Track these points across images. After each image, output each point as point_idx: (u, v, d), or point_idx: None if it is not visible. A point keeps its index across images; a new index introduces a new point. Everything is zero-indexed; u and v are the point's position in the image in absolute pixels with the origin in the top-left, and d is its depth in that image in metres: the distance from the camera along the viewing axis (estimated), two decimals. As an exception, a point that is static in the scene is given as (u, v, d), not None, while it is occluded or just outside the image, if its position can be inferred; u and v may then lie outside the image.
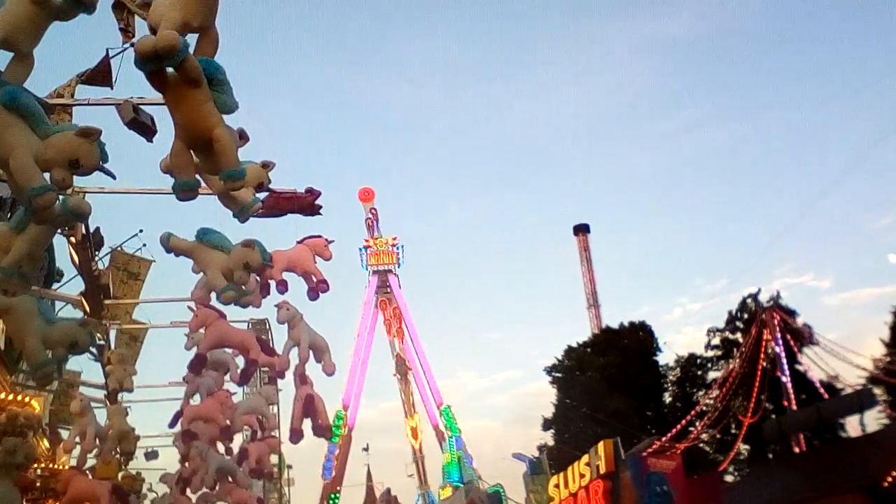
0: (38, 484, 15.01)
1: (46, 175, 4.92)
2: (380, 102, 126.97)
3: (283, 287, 10.33)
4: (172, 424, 14.59)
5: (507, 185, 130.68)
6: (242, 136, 5.65)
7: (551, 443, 49.28)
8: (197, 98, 5.01)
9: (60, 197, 5.11)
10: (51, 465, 17.43)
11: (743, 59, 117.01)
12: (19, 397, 11.99)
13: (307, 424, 12.61)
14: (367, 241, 56.69)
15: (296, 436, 12.57)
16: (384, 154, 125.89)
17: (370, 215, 57.60)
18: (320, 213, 10.87)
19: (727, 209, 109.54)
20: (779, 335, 35.05)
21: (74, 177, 5.05)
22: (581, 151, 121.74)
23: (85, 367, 18.05)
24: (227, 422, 14.00)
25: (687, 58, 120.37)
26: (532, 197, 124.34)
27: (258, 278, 10.22)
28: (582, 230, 68.60)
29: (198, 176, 5.54)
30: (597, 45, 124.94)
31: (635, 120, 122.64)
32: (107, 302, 14.34)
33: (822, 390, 34.94)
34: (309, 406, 12.48)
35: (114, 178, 6.56)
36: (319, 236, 10.73)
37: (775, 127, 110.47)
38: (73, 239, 10.97)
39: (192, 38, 5.20)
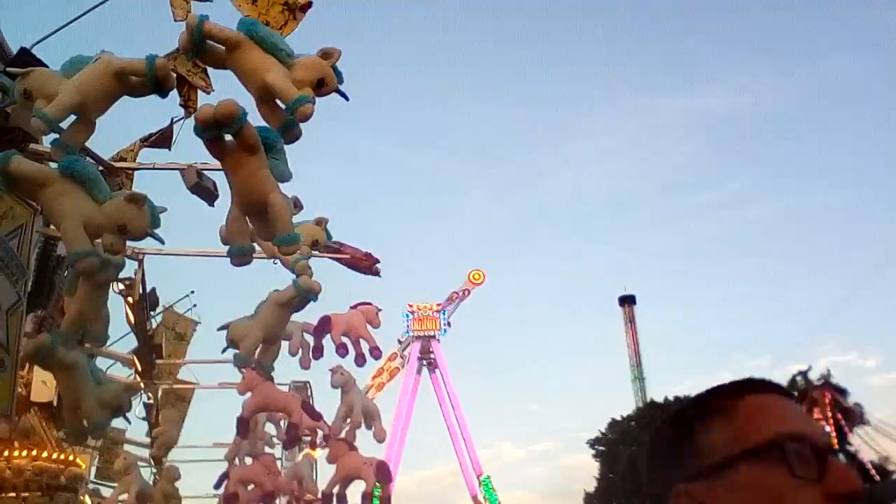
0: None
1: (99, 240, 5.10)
2: (418, 172, 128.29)
3: (343, 351, 10.44)
4: (218, 485, 14.59)
5: (550, 254, 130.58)
6: (297, 205, 5.75)
7: (593, 518, 48.27)
8: (253, 165, 5.10)
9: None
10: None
11: (789, 136, 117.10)
12: (64, 455, 12.12)
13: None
14: (410, 305, 56.77)
15: (329, 501, 12.52)
16: (430, 220, 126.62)
17: (462, 294, 57.89)
18: (378, 275, 11.02)
19: (770, 285, 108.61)
20: (829, 414, 34.24)
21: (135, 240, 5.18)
22: (625, 223, 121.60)
23: (131, 424, 18.21)
24: (271, 486, 13.98)
25: (731, 132, 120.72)
26: (575, 267, 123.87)
27: (312, 340, 10.34)
28: (628, 301, 68.06)
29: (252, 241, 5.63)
30: (640, 118, 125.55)
31: (679, 192, 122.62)
32: (158, 362, 14.49)
33: (873, 472, 33.92)
34: (384, 472, 12.41)
35: (162, 242, 6.72)
36: (370, 303, 10.85)
37: (820, 205, 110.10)
38: (130, 299, 11.17)
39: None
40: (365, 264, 10.81)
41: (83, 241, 5.01)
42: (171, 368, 17.58)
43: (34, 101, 5.18)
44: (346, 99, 5.35)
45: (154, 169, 8.82)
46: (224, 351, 7.58)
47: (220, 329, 7.47)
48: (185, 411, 18.28)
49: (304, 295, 7.73)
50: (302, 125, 5.15)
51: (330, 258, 10.38)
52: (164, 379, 17.40)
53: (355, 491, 12.50)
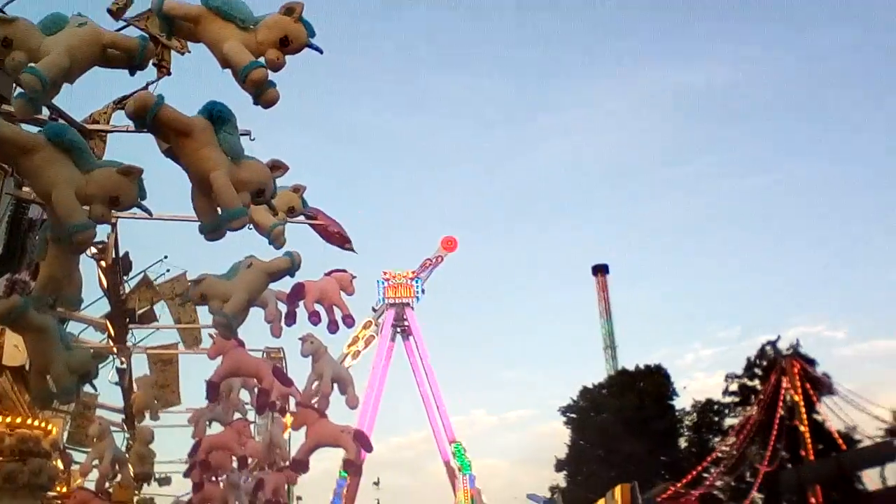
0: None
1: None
2: (405, 138, 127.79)
3: (316, 318, 10.37)
4: (193, 453, 14.61)
5: (526, 224, 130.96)
6: (278, 167, 5.65)
7: (563, 484, 48.88)
8: (191, 145, 5.00)
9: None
10: (65, 489, 17.48)
11: (762, 110, 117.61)
12: (37, 420, 12.07)
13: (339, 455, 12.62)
14: (385, 273, 56.73)
15: (300, 466, 12.57)
16: (406, 188, 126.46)
17: (435, 260, 57.82)
18: (353, 251, 10.99)
19: (743, 258, 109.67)
20: (798, 383, 34.75)
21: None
22: (601, 196, 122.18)
23: (97, 392, 18.12)
24: (243, 451, 14.00)
25: (708, 107, 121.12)
26: (551, 238, 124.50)
27: (284, 307, 10.31)
28: (601, 270, 68.52)
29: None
30: (620, 92, 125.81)
31: (656, 166, 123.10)
32: (130, 326, 14.42)
33: (840, 441, 34.55)
34: (364, 440, 12.44)
35: (150, 214, 6.65)
36: (345, 270, 10.82)
37: (795, 180, 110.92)
38: (102, 263, 11.08)
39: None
40: (337, 240, 10.76)
41: (81, 212, 4.92)
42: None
43: (10, 52, 5.08)
44: (320, 52, 5.28)
45: (128, 132, 8.70)
46: (184, 303, 7.44)
47: (194, 281, 7.29)
48: (174, 374, 18.07)
49: (296, 269, 7.77)
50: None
51: (307, 224, 10.30)
52: (142, 344, 17.28)
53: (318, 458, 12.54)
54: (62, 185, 4.95)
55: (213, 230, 5.36)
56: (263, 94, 5.20)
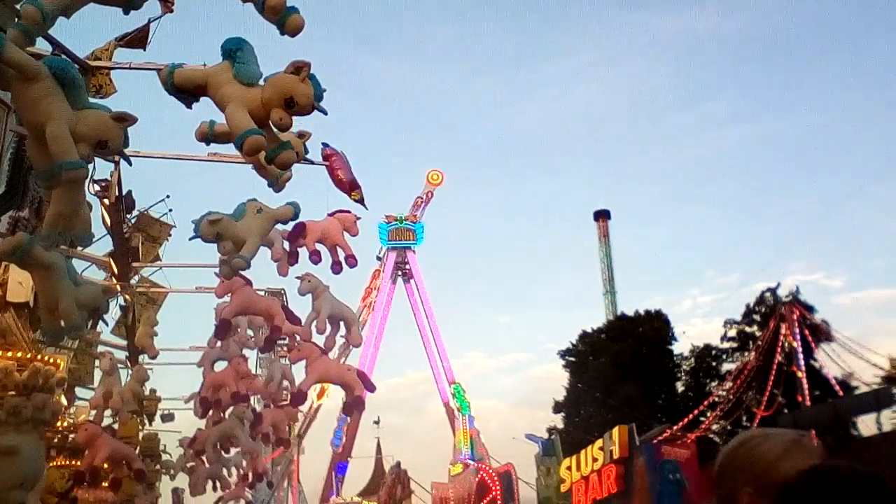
0: (55, 440, 15.25)
1: None
2: (399, 85, 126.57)
3: (316, 258, 10.39)
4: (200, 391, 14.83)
5: (526, 170, 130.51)
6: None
7: (560, 426, 49.44)
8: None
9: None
10: (68, 424, 17.70)
11: (767, 57, 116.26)
12: (41, 356, 12.15)
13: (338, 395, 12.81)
14: (387, 216, 56.73)
15: (300, 398, 12.72)
16: (404, 135, 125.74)
17: (425, 196, 57.67)
18: (362, 203, 10.96)
19: (743, 205, 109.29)
20: (797, 330, 34.91)
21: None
22: (601, 141, 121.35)
23: (108, 326, 18.23)
24: (240, 388, 14.16)
25: (710, 53, 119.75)
26: (551, 184, 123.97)
27: (287, 247, 10.31)
28: (603, 216, 68.43)
29: None
30: (620, 36, 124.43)
31: (656, 112, 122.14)
32: (134, 265, 14.45)
33: (837, 387, 34.83)
34: (367, 381, 12.59)
35: (130, 164, 6.64)
36: (349, 211, 10.81)
37: (795, 127, 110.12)
38: (106, 201, 11.06)
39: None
40: (344, 187, 10.69)
41: (73, 149, 4.89)
42: (144, 271, 17.47)
43: None
44: (325, 114, 5.26)
45: (130, 69, 8.64)
46: (192, 238, 7.44)
47: (210, 220, 7.27)
48: (155, 314, 18.24)
49: (297, 218, 7.94)
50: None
51: (321, 165, 10.23)
52: (140, 282, 17.38)
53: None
54: (58, 120, 4.90)
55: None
56: (287, 23, 5.15)
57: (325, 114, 5.21)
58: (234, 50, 5.28)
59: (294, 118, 5.16)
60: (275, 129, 5.35)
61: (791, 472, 2.10)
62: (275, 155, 5.15)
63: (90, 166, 6.27)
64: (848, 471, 1.98)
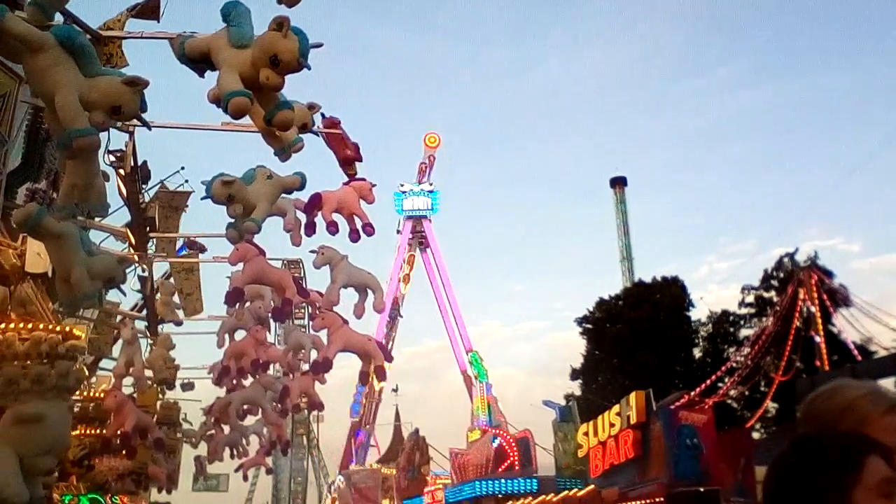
0: (76, 408, 15.48)
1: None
2: (412, 55, 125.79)
3: (334, 228, 10.35)
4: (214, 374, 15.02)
5: (541, 138, 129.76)
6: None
7: (578, 392, 49.55)
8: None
9: None
10: (89, 392, 17.95)
11: (785, 21, 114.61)
12: (61, 326, 12.28)
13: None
14: (402, 185, 56.64)
15: (325, 366, 12.81)
16: (417, 105, 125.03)
17: (427, 161, 57.48)
18: (353, 176, 10.88)
19: (757, 172, 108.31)
20: (815, 295, 34.71)
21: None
22: (616, 108, 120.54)
23: (126, 296, 18.37)
24: (260, 355, 14.27)
25: (725, 17, 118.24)
26: (566, 151, 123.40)
27: (299, 217, 10.30)
28: (619, 183, 68.12)
29: None
30: (634, 2, 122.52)
31: (671, 77, 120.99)
32: (151, 235, 14.52)
33: (855, 352, 34.71)
34: (386, 352, 12.79)
35: (149, 128, 6.64)
36: (364, 179, 10.76)
37: (813, 92, 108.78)
38: (121, 171, 11.09)
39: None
40: (342, 161, 10.57)
41: (82, 117, 4.90)
42: (167, 243, 17.52)
43: None
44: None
45: (142, 38, 8.61)
46: (204, 198, 7.40)
47: (224, 181, 7.25)
48: (197, 282, 18.24)
49: (303, 188, 7.97)
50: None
51: (322, 133, 10.17)
52: (165, 253, 17.42)
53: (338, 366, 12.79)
54: (66, 89, 4.90)
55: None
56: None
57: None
58: (229, 14, 5.28)
59: (308, 106, 5.18)
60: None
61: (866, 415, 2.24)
62: (272, 115, 5.13)
63: (104, 136, 6.27)
64: (837, 437, 1.98)
